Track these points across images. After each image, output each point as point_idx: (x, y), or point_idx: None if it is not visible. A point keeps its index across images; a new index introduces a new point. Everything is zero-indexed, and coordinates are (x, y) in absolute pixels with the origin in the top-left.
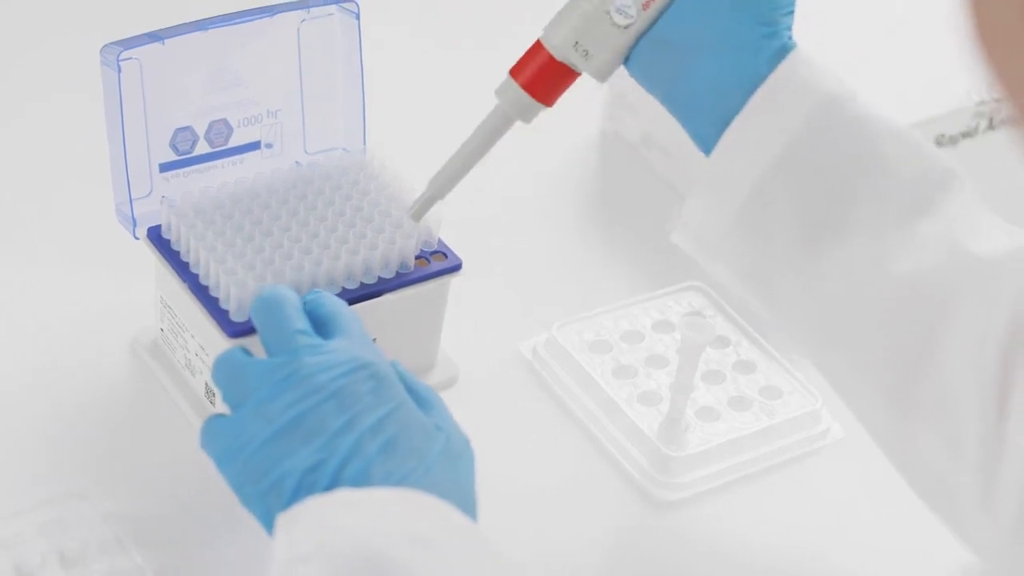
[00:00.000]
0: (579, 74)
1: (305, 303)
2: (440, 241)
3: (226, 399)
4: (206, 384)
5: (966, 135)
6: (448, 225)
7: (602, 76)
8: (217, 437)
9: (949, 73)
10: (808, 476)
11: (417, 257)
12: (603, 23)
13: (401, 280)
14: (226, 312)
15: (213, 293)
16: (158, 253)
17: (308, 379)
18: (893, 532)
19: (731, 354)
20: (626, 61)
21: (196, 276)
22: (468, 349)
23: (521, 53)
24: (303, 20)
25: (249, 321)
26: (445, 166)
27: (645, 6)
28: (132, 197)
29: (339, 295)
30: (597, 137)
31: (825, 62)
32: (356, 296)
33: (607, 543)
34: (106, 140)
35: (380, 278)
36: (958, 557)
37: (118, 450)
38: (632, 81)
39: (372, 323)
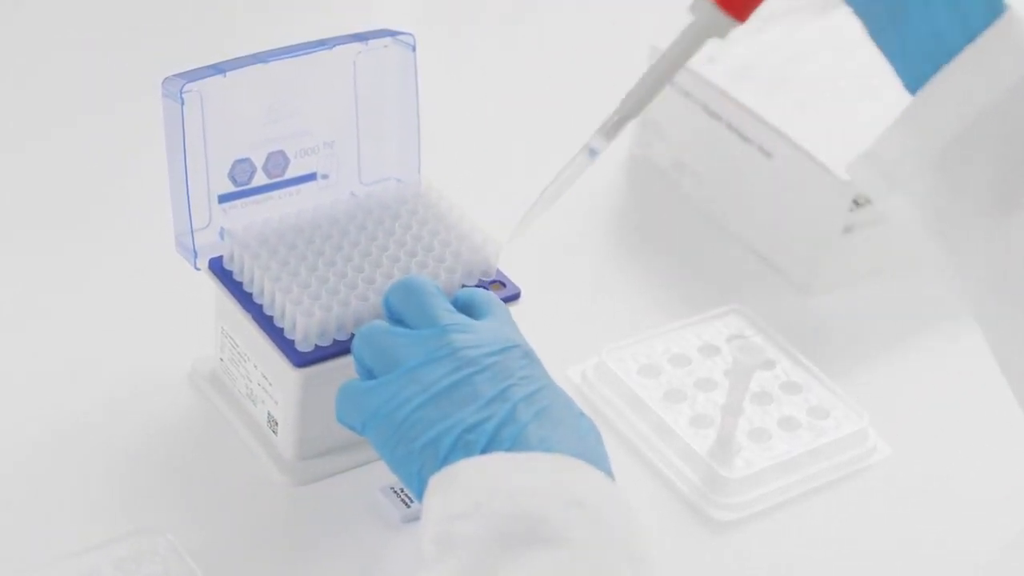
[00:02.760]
0: None
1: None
2: (498, 270)
3: (372, 366)
4: (268, 413)
5: None
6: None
7: None
8: (364, 399)
9: None
10: (858, 494)
11: (476, 287)
12: None
13: None
14: (292, 342)
15: (278, 323)
16: (220, 284)
17: (462, 352)
18: (942, 547)
19: (778, 375)
20: None
21: (260, 306)
22: None
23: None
24: (359, 52)
25: (316, 351)
26: (636, 86)
27: None
28: (193, 228)
29: None
30: (626, 162)
31: None
32: None
33: (665, 563)
34: (165, 171)
35: None
36: (1009, 568)
37: (182, 482)
38: (664, 107)
39: None
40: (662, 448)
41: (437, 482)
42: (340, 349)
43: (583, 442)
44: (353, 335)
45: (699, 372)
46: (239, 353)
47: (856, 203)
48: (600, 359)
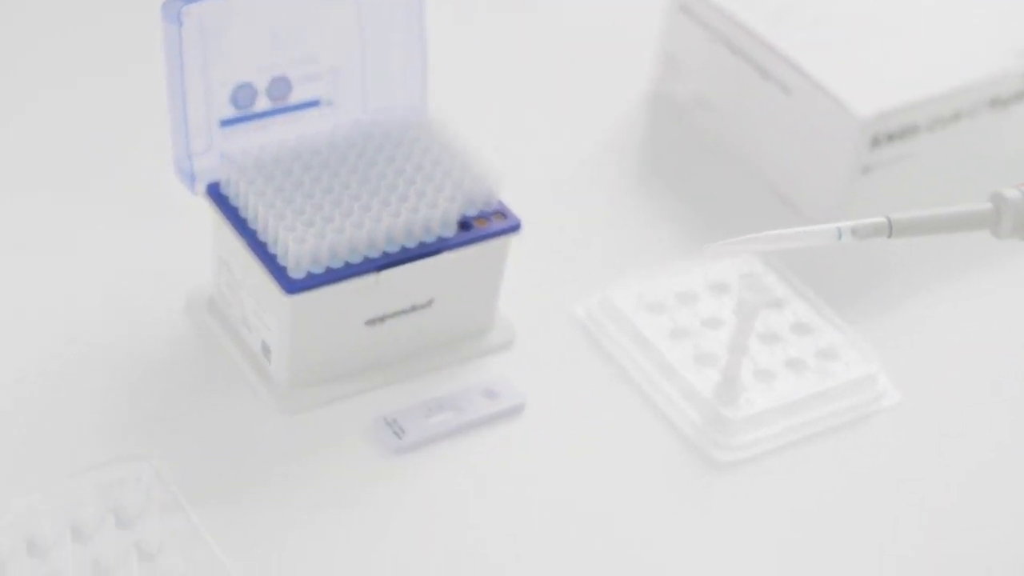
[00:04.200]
0: None
1: None
2: (500, 201)
3: None
4: (262, 341)
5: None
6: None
7: None
8: None
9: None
10: (864, 439)
11: (477, 217)
12: None
13: (461, 239)
14: (284, 268)
15: (271, 250)
16: (217, 209)
17: None
18: (948, 496)
19: (787, 315)
20: None
21: (254, 233)
22: (522, 310)
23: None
24: None
25: (308, 278)
26: (909, 217)
27: None
28: (191, 152)
29: (399, 253)
30: (646, 98)
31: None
32: (415, 254)
33: (663, 503)
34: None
35: (440, 237)
36: (1018, 516)
37: (175, 409)
38: (684, 41)
39: (433, 282)
40: (665, 387)
41: None
42: (334, 276)
43: None
44: (348, 262)
45: (707, 310)
46: (235, 280)
47: (875, 142)
48: (605, 295)
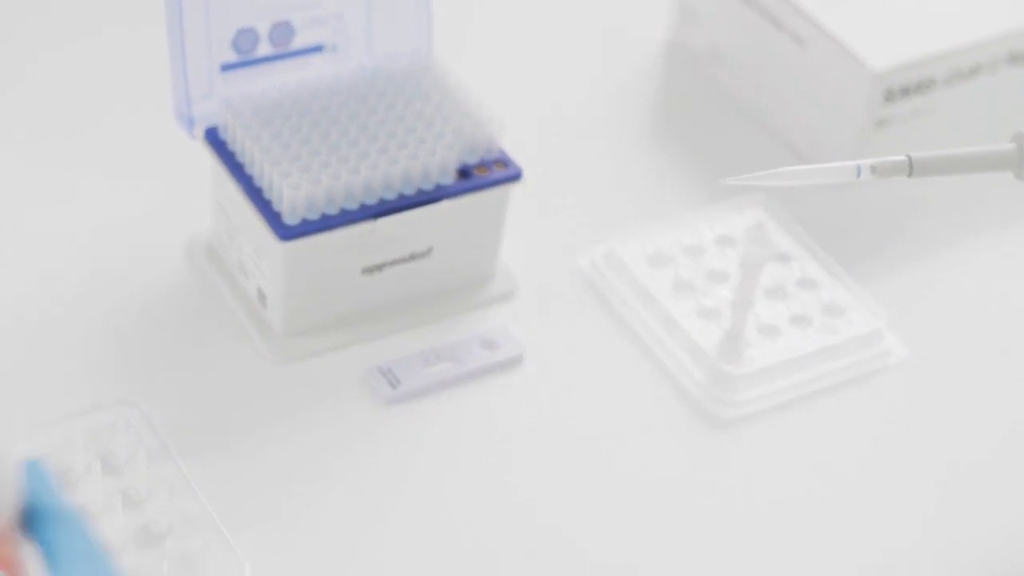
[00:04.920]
0: None
1: None
2: (501, 150)
3: None
4: (258, 288)
5: None
6: (508, 134)
7: None
8: None
9: None
10: (870, 396)
11: (477, 165)
12: None
13: (460, 187)
14: (279, 215)
15: (267, 196)
16: (215, 154)
17: None
18: (955, 454)
19: (794, 270)
20: None
21: (251, 178)
22: (524, 261)
23: None
24: None
25: (303, 224)
26: (931, 154)
27: None
28: (191, 97)
29: (396, 200)
30: (662, 47)
31: None
32: (413, 202)
33: (664, 459)
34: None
35: (439, 185)
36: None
37: (168, 356)
38: None
39: (431, 230)
40: (668, 342)
41: None
42: (329, 223)
43: None
44: (345, 208)
45: (714, 263)
46: (232, 225)
47: (889, 96)
48: (609, 247)
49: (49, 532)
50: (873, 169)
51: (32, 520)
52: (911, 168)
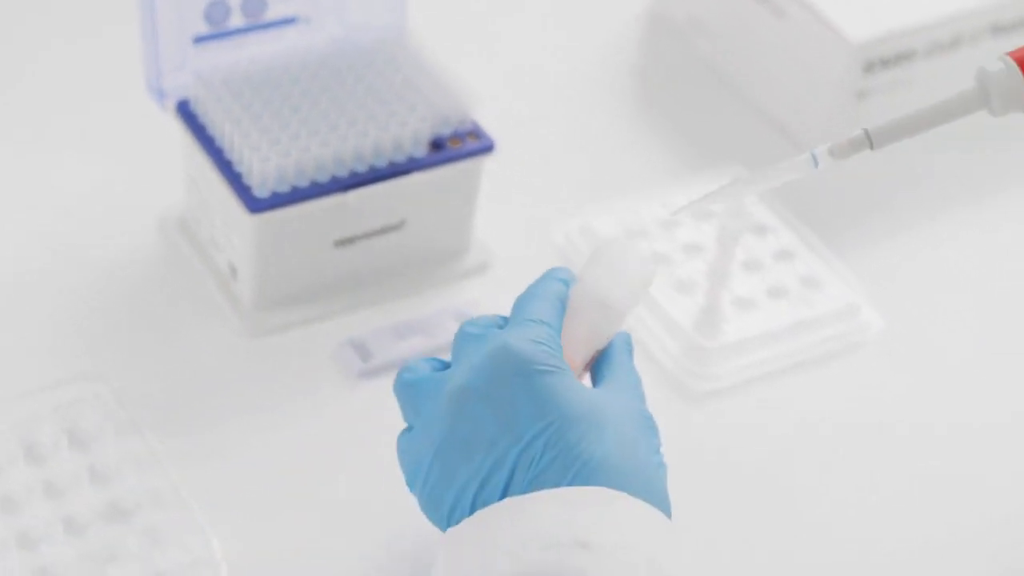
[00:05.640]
0: None
1: None
2: (474, 121)
3: (407, 420)
4: (229, 262)
5: None
6: (483, 105)
7: None
8: (401, 456)
9: None
10: (847, 369)
11: (450, 137)
12: None
13: (433, 159)
14: (249, 188)
15: (237, 168)
16: (185, 127)
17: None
18: (931, 426)
19: (771, 243)
20: None
21: (221, 151)
22: (499, 234)
23: None
24: None
25: (273, 197)
26: (887, 123)
27: None
28: (162, 69)
29: (367, 173)
30: (642, 17)
31: None
32: (385, 174)
33: None
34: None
35: (411, 157)
36: (999, 447)
37: (140, 329)
38: None
39: (404, 203)
40: (642, 315)
41: (443, 544)
42: (299, 196)
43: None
44: (315, 181)
45: (690, 236)
46: (203, 199)
47: (869, 68)
48: (584, 220)
49: None
50: (831, 152)
51: None
52: (871, 141)
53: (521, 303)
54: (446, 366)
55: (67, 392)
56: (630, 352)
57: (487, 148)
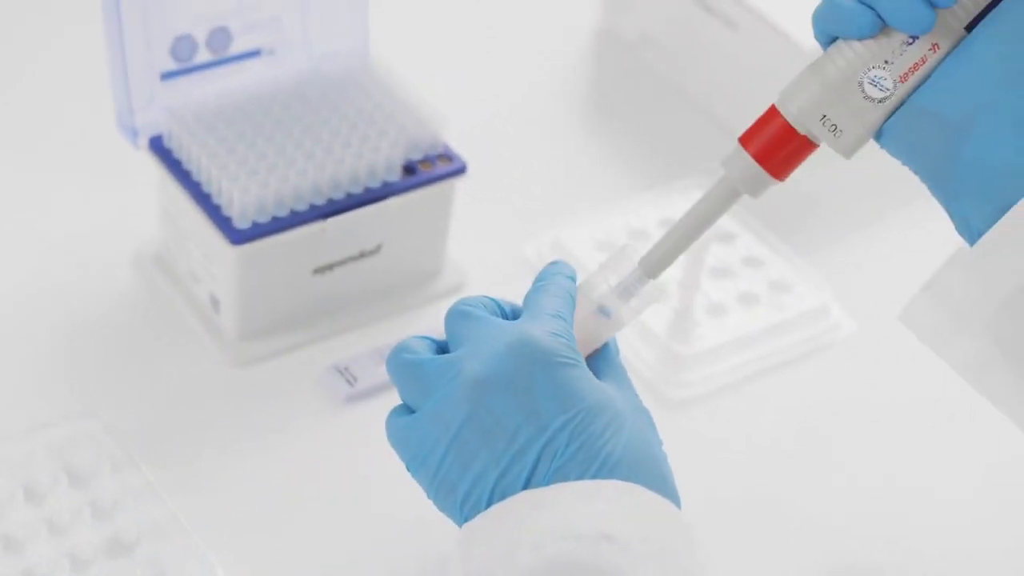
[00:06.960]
0: (818, 146)
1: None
2: (445, 144)
3: (406, 399)
4: (210, 293)
5: None
6: (449, 128)
7: (849, 153)
8: (402, 437)
9: None
10: (819, 371)
11: (422, 160)
12: (853, 95)
13: (407, 183)
14: (229, 219)
15: (216, 201)
16: (160, 162)
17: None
18: (904, 424)
19: (739, 249)
20: (878, 135)
21: (198, 184)
22: (472, 253)
23: None
24: None
25: (253, 227)
26: (659, 242)
27: (903, 78)
28: (133, 107)
29: (344, 199)
30: (592, 35)
31: None
32: (362, 200)
33: None
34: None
35: (385, 182)
36: (970, 443)
37: (124, 365)
38: None
39: (380, 228)
40: None
41: (461, 537)
42: (279, 225)
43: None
44: (294, 210)
45: None
46: (180, 233)
47: None
48: (555, 235)
49: None
50: (614, 295)
51: None
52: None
53: (534, 297)
54: (439, 345)
55: (60, 431)
56: (618, 351)
57: (459, 170)
